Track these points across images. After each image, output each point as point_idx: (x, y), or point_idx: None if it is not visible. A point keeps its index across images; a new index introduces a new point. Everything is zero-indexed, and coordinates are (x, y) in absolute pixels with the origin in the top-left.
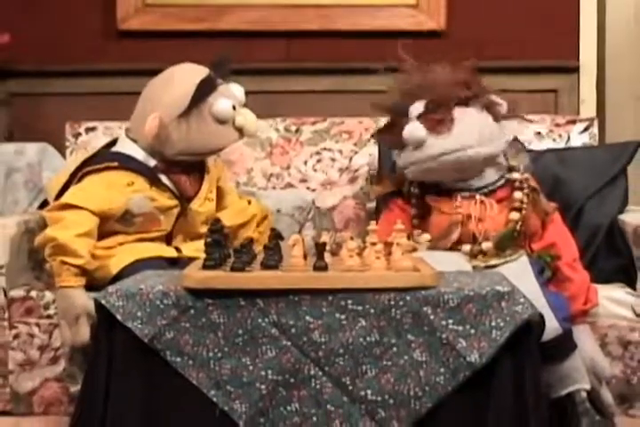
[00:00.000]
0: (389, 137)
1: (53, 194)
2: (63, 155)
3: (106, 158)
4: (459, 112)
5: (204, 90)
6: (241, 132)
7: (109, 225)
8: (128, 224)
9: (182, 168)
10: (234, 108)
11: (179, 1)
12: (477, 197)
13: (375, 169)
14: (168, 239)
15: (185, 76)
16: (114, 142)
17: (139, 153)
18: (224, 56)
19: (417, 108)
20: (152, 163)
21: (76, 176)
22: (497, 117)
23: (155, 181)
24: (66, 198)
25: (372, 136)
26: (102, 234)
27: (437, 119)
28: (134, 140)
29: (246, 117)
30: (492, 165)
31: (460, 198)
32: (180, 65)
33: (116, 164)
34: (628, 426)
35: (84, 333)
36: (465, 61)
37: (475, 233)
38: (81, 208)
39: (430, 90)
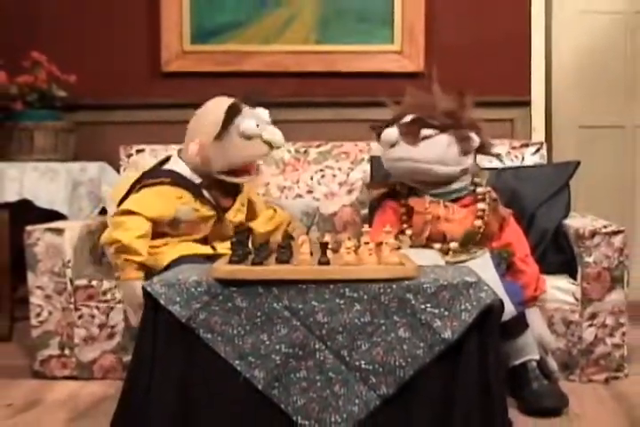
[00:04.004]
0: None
1: (117, 201)
2: (118, 171)
3: (161, 175)
4: (433, 133)
5: (230, 114)
6: (270, 145)
7: (159, 228)
8: (175, 228)
9: (221, 186)
10: (257, 125)
11: (210, 48)
12: (442, 201)
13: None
14: (206, 240)
15: (216, 107)
16: (166, 160)
17: (187, 172)
18: (254, 89)
19: (406, 118)
20: (197, 181)
21: (135, 187)
22: (465, 150)
23: (199, 196)
24: (126, 206)
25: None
26: (153, 235)
27: (410, 131)
28: (185, 162)
29: (271, 132)
30: (455, 180)
31: (429, 202)
32: (214, 98)
33: (169, 180)
34: (569, 388)
35: None
36: (465, 97)
37: (445, 233)
38: (138, 214)
39: (424, 109)
